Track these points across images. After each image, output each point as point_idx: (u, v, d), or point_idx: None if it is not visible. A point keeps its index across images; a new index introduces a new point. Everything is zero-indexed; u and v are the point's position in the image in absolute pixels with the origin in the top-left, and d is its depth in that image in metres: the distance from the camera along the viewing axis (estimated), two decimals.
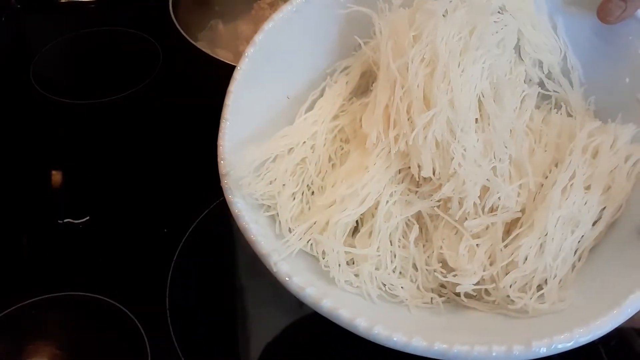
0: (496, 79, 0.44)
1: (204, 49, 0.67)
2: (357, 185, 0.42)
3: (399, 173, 0.43)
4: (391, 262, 0.42)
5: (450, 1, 0.44)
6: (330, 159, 0.45)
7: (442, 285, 0.42)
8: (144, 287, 0.58)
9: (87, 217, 0.64)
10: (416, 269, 0.43)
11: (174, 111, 0.78)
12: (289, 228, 0.42)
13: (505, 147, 0.42)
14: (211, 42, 0.77)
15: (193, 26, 0.74)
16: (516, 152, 0.43)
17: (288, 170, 0.44)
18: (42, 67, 0.84)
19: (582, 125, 0.45)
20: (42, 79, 0.82)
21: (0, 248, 0.62)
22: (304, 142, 0.45)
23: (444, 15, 0.43)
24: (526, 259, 0.40)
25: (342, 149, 0.46)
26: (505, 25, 0.45)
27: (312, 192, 0.44)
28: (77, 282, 0.58)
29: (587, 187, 0.42)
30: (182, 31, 0.67)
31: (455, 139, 0.41)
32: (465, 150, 0.41)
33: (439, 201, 0.42)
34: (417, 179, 0.42)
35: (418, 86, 0.41)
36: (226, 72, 0.64)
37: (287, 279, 0.39)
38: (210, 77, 0.69)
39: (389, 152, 0.42)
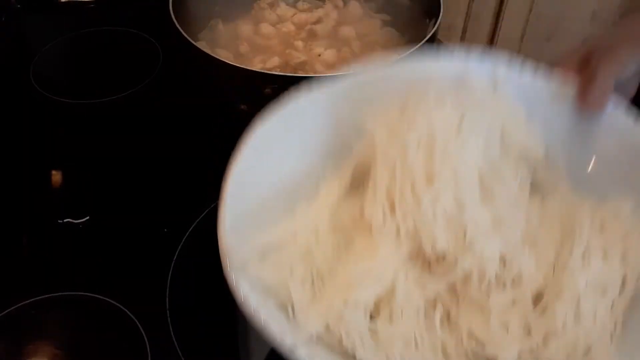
0: (491, 158, 0.43)
1: (204, 49, 0.67)
2: (371, 265, 0.40)
3: (410, 255, 0.42)
4: (421, 341, 0.39)
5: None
6: (333, 247, 0.43)
7: None
8: (144, 287, 0.58)
9: (87, 217, 0.64)
10: (446, 351, 0.40)
11: (174, 111, 0.78)
12: (304, 313, 0.39)
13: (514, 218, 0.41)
14: (211, 42, 0.77)
15: (193, 26, 0.74)
16: (526, 223, 0.42)
17: (295, 255, 0.42)
18: (42, 67, 0.84)
19: (579, 203, 0.45)
20: (42, 79, 0.82)
21: (0, 248, 0.62)
22: (307, 231, 0.43)
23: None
24: (565, 327, 0.39)
25: (345, 239, 0.44)
26: (491, 115, 0.45)
27: (322, 278, 0.42)
28: (77, 282, 0.58)
29: (604, 256, 0.41)
30: (182, 31, 0.67)
31: (463, 212, 0.40)
32: (477, 222, 0.40)
33: (457, 279, 0.41)
34: (429, 259, 0.41)
35: (419, 165, 0.41)
36: (226, 72, 0.65)
37: None
38: (210, 77, 0.69)
39: (397, 233, 0.41)
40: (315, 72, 0.73)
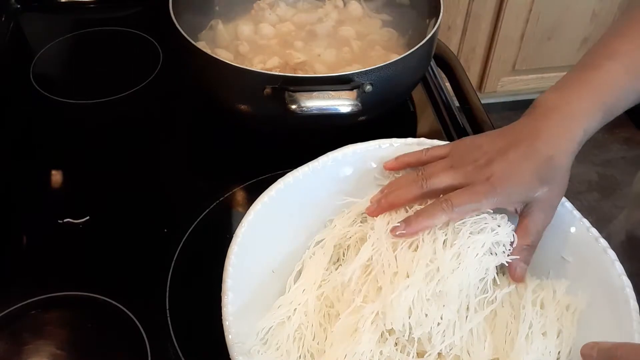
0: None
1: (204, 49, 0.67)
2: (352, 344, 0.47)
3: (383, 335, 0.49)
4: None
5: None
6: (320, 324, 0.50)
7: None
8: (144, 287, 0.58)
9: (87, 217, 0.64)
10: None
11: (174, 111, 0.79)
12: None
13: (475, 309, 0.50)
14: (211, 42, 0.77)
15: (193, 26, 0.74)
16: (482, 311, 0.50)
17: (290, 336, 0.49)
18: (42, 67, 0.84)
19: (526, 284, 0.52)
20: (42, 79, 0.82)
21: (0, 248, 0.62)
22: (298, 309, 0.50)
23: None
24: None
25: (329, 313, 0.51)
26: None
27: (312, 355, 0.49)
28: (77, 282, 0.58)
29: (544, 334, 0.49)
30: (182, 31, 0.67)
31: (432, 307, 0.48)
32: (441, 318, 0.48)
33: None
34: (402, 340, 0.49)
35: (402, 258, 0.49)
36: (226, 72, 0.65)
37: None
38: (210, 77, 0.69)
39: (374, 313, 0.48)
40: (315, 72, 0.73)
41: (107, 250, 0.62)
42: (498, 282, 0.51)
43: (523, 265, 0.52)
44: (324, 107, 0.61)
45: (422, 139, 0.59)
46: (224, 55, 0.73)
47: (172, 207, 0.66)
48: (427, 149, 0.56)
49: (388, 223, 0.52)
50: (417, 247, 0.50)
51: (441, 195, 0.51)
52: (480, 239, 0.50)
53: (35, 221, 0.65)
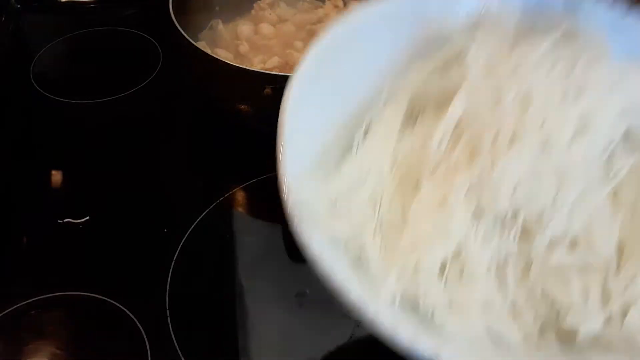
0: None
1: (204, 49, 0.67)
2: (441, 220, 0.38)
3: (477, 211, 0.39)
4: (496, 302, 0.37)
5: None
6: (399, 192, 0.40)
7: (546, 327, 0.38)
8: (144, 287, 0.58)
9: (87, 217, 0.64)
10: (519, 311, 0.38)
11: (174, 111, 0.79)
12: (379, 272, 0.37)
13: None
14: (211, 42, 0.77)
15: (193, 26, 0.74)
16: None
17: (363, 204, 0.39)
18: (42, 67, 0.84)
19: None
20: (42, 79, 0.82)
21: (0, 248, 0.62)
22: (371, 173, 0.41)
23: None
24: None
25: (411, 177, 0.41)
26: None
27: (392, 229, 0.39)
28: (77, 282, 0.58)
29: None
30: (182, 31, 0.67)
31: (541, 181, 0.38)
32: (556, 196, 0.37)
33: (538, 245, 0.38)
34: (502, 219, 0.38)
35: (509, 119, 0.38)
36: (226, 72, 0.65)
37: (392, 332, 0.33)
38: (210, 77, 0.69)
39: (466, 185, 0.38)
40: None
41: (107, 250, 0.62)
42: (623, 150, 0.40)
43: None
44: None
45: None
46: (224, 55, 0.73)
47: (172, 207, 0.66)
48: None
49: (491, 69, 0.40)
50: (530, 100, 0.39)
51: None
52: (614, 98, 0.40)
53: (35, 221, 0.65)
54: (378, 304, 0.34)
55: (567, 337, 0.37)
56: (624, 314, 0.36)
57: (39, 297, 0.57)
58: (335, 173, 0.41)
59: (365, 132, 0.43)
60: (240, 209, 0.66)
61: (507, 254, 0.38)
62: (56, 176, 0.72)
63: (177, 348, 0.53)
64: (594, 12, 0.45)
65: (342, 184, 0.40)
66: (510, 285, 0.37)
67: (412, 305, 0.37)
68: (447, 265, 0.38)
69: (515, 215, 0.37)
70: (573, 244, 0.38)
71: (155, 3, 0.73)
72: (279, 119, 0.40)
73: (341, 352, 0.53)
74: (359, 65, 0.45)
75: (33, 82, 0.81)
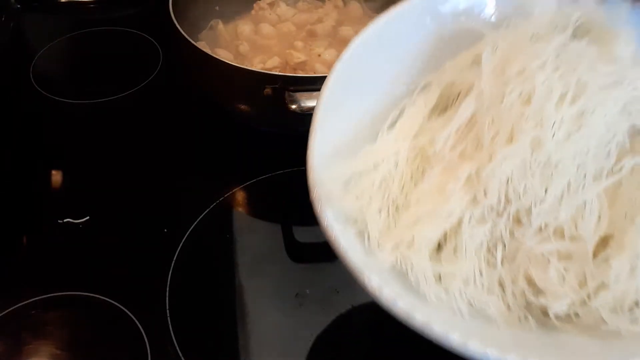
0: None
1: (204, 49, 0.67)
2: (440, 203, 0.42)
3: (476, 197, 0.42)
4: (479, 279, 0.41)
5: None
6: (411, 176, 0.45)
7: (528, 305, 0.42)
8: (144, 287, 0.58)
9: (87, 217, 0.64)
10: (502, 288, 0.42)
11: (174, 111, 0.79)
12: (378, 243, 0.42)
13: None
14: (211, 42, 0.77)
15: (193, 26, 0.74)
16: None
17: (374, 185, 0.44)
18: (42, 67, 0.84)
19: None
20: (42, 79, 0.82)
21: (0, 248, 0.62)
22: (387, 159, 0.45)
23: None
24: (617, 280, 0.39)
25: (423, 167, 0.45)
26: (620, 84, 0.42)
27: (396, 208, 0.44)
28: (77, 282, 0.58)
29: None
30: (182, 31, 0.67)
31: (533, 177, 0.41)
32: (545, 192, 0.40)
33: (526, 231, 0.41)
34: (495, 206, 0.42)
35: (508, 118, 0.41)
36: (226, 72, 0.65)
37: (378, 292, 0.38)
38: (210, 77, 0.69)
39: (467, 175, 0.42)
40: (315, 72, 0.73)
41: (107, 250, 0.62)
42: (628, 147, 0.42)
43: None
44: None
45: None
46: (224, 55, 0.73)
47: (172, 207, 0.66)
48: None
49: (503, 69, 0.43)
50: (529, 98, 0.42)
51: None
52: (613, 96, 0.41)
53: (35, 221, 0.65)
54: (371, 269, 0.39)
55: (544, 317, 0.41)
56: (596, 295, 0.40)
57: (39, 297, 0.57)
58: (355, 157, 0.45)
59: (393, 123, 0.47)
60: (240, 209, 0.66)
61: (497, 238, 0.42)
62: (56, 176, 0.72)
63: (177, 348, 0.53)
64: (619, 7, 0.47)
65: (357, 166, 0.44)
66: (497, 266, 0.41)
67: (403, 275, 0.41)
68: (443, 244, 0.42)
69: (507, 204, 0.41)
70: (558, 233, 0.41)
71: (155, 3, 0.74)
72: (315, 109, 0.44)
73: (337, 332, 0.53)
74: (393, 61, 0.48)
75: (33, 82, 0.81)
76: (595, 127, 0.41)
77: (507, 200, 0.41)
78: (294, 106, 0.60)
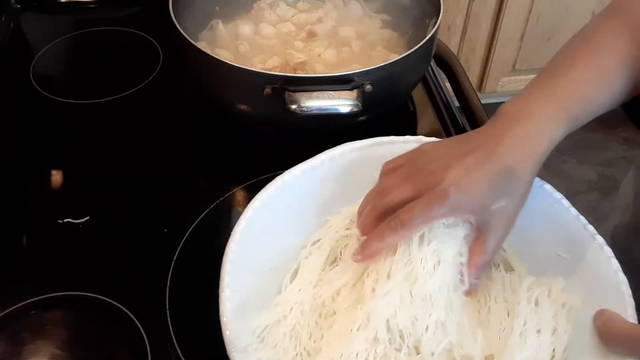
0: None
1: (204, 49, 0.67)
2: (346, 345, 0.47)
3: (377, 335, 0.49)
4: None
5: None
6: (316, 323, 0.50)
7: None
8: (144, 287, 0.58)
9: (87, 217, 0.64)
10: None
11: (174, 111, 0.79)
12: None
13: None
14: (211, 42, 0.77)
15: (193, 26, 0.74)
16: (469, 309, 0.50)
17: (286, 334, 0.49)
18: (42, 67, 0.84)
19: (520, 279, 0.53)
20: (42, 79, 0.82)
21: (0, 248, 0.62)
22: (294, 308, 0.51)
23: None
24: None
25: (325, 313, 0.51)
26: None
27: (309, 353, 0.49)
28: (77, 282, 0.58)
29: (538, 331, 0.49)
30: (182, 31, 0.67)
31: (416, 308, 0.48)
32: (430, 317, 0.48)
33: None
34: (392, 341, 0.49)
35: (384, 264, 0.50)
36: (226, 72, 0.65)
37: None
38: (210, 77, 0.69)
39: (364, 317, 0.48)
40: (315, 72, 0.73)
41: (107, 250, 0.62)
42: (492, 277, 0.52)
43: (476, 282, 0.50)
44: (324, 107, 0.61)
45: (421, 137, 0.58)
46: (224, 55, 0.73)
47: (172, 207, 0.66)
48: (387, 162, 0.53)
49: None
50: (395, 249, 0.49)
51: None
52: (455, 233, 0.49)
53: (35, 221, 0.65)
54: None
55: None
56: None
57: (39, 297, 0.57)
58: (266, 310, 0.51)
59: (294, 275, 0.54)
60: (240, 209, 0.66)
61: None
62: (56, 176, 0.72)
63: (177, 348, 0.53)
64: None
65: (269, 318, 0.50)
66: None
67: None
68: None
69: (402, 336, 0.48)
70: (449, 351, 0.48)
71: (155, 3, 0.74)
72: (222, 261, 0.50)
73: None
74: (290, 217, 0.55)
75: (33, 82, 0.81)
76: (449, 259, 0.49)
77: (401, 335, 0.47)
78: (294, 106, 0.60)
